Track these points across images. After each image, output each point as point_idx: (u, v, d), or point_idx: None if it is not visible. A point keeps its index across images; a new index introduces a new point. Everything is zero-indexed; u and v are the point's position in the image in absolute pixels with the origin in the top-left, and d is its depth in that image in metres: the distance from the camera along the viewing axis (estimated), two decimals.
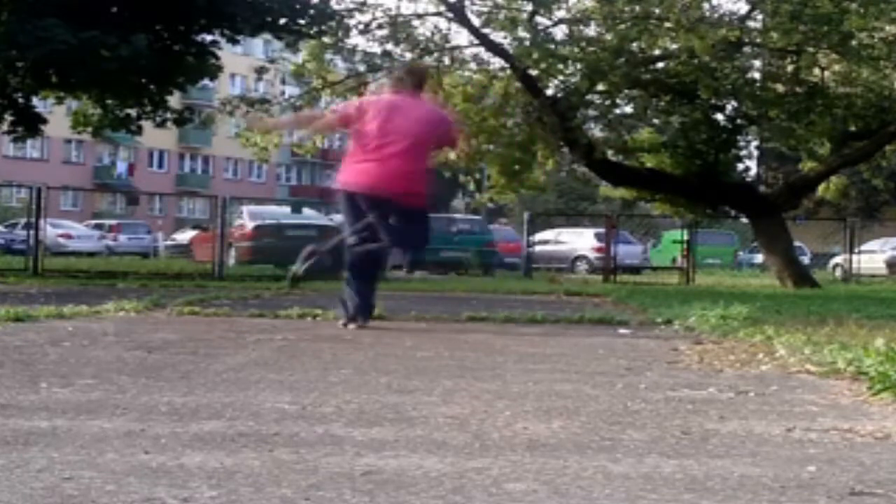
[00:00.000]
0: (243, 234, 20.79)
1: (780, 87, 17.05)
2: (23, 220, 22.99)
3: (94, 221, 42.35)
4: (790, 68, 16.97)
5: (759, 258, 27.13)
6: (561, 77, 16.94)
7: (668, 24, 15.32)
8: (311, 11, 17.08)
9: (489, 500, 1.93)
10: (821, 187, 19.28)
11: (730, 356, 4.65)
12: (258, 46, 47.46)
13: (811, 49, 16.09)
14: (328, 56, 17.48)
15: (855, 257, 23.08)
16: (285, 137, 22.00)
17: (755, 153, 25.74)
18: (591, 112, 17.91)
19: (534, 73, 16.25)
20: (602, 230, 23.87)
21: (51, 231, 24.17)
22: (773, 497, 2.00)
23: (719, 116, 18.03)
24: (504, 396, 3.29)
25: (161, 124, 19.34)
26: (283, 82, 22.58)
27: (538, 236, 25.11)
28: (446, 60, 17.14)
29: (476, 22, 16.40)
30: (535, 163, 18.53)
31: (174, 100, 20.02)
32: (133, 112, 18.67)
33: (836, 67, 16.75)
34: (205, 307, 7.25)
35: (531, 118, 16.86)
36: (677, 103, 17.38)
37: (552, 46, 15.96)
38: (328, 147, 49.56)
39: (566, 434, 2.64)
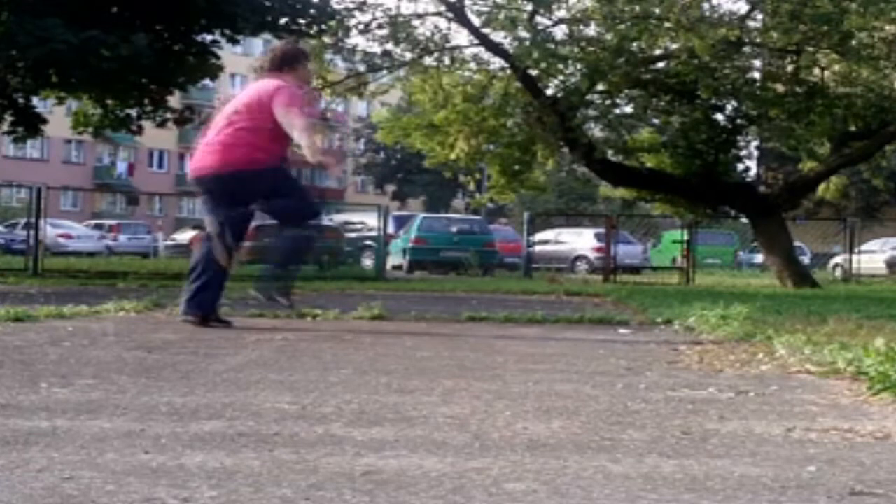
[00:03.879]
0: None
1: (780, 87, 17.06)
2: (23, 220, 22.99)
3: (94, 221, 42.36)
4: (790, 68, 16.98)
5: (759, 258, 27.13)
6: (561, 77, 16.95)
7: (668, 24, 15.33)
8: (312, 11, 17.09)
9: (489, 500, 1.93)
10: (821, 187, 19.28)
11: (730, 356, 4.65)
12: (258, 46, 47.39)
13: (811, 49, 16.11)
14: (328, 56, 17.49)
15: (855, 257, 23.09)
16: None
17: (755, 153, 25.76)
18: (591, 112, 17.93)
19: (534, 73, 16.26)
20: (602, 230, 23.87)
21: (51, 231, 24.17)
22: (773, 497, 2.00)
23: (719, 116, 18.05)
24: (504, 396, 3.29)
25: (161, 124, 19.36)
26: None
27: (538, 236, 25.11)
28: (446, 60, 17.15)
29: (476, 22, 16.42)
30: (535, 163, 18.55)
31: (174, 100, 20.04)
32: (133, 112, 18.70)
33: (836, 67, 16.76)
34: None
35: (531, 118, 16.87)
36: (677, 103, 17.39)
37: (552, 46, 15.97)
38: (327, 147, 49.58)
39: (566, 434, 2.64)
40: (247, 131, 6.01)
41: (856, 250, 23.43)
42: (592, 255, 28.35)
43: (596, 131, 18.83)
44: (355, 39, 17.85)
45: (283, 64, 6.18)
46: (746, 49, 16.61)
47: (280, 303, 6.23)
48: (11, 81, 17.28)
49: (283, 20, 17.14)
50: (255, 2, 16.76)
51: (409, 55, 16.91)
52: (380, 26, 16.55)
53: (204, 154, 6.14)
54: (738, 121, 18.01)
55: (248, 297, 6.40)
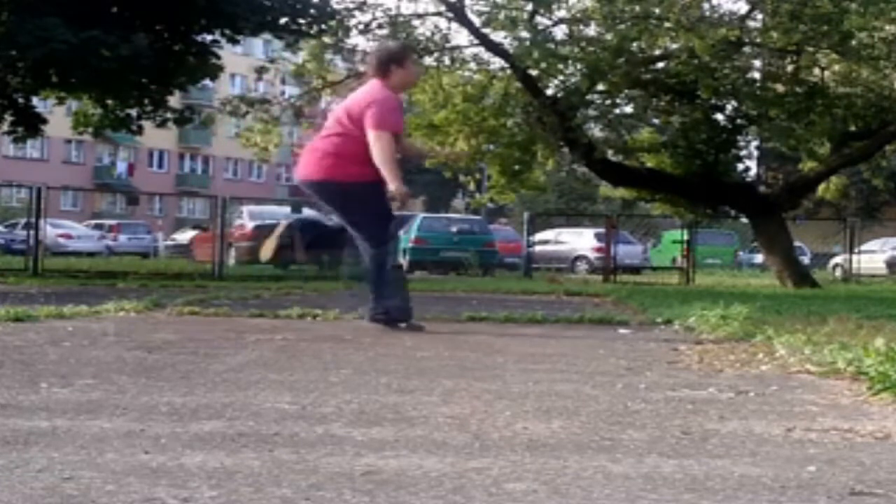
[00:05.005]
0: (243, 234, 20.80)
1: (780, 87, 17.05)
2: (23, 220, 23.00)
3: (94, 221, 42.36)
4: (790, 68, 16.97)
5: (759, 258, 27.12)
6: (561, 77, 16.94)
7: (668, 24, 15.33)
8: (312, 11, 17.10)
9: (489, 500, 1.93)
10: (821, 187, 19.28)
11: (730, 356, 4.65)
12: (258, 46, 47.47)
13: (811, 49, 16.10)
14: (328, 56, 17.50)
15: (855, 257, 23.09)
16: (285, 137, 22.00)
17: (755, 153, 25.74)
18: (591, 112, 17.92)
19: (534, 73, 16.24)
20: (602, 230, 23.88)
21: (51, 231, 24.19)
22: (773, 497, 2.00)
23: (719, 116, 18.03)
24: (504, 396, 3.29)
25: (161, 124, 19.36)
26: (283, 82, 22.57)
27: (538, 236, 25.11)
28: (446, 60, 17.15)
29: (476, 22, 16.41)
30: (535, 163, 18.53)
31: (174, 100, 20.04)
32: (133, 112, 18.70)
33: (836, 67, 16.76)
34: (205, 307, 7.24)
35: (531, 118, 16.86)
36: (677, 103, 17.38)
37: (552, 46, 15.96)
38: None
39: (566, 434, 2.64)
40: (344, 142, 5.95)
41: (856, 250, 23.43)
42: (592, 255, 28.35)
43: (596, 131, 18.82)
44: (355, 39, 17.86)
45: (388, 64, 6.06)
46: (746, 49, 16.60)
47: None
48: (11, 81, 17.29)
49: (283, 20, 17.15)
50: (255, 2, 16.77)
51: None
52: (380, 26, 16.55)
53: (307, 158, 6.14)
54: (738, 121, 18.00)
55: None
